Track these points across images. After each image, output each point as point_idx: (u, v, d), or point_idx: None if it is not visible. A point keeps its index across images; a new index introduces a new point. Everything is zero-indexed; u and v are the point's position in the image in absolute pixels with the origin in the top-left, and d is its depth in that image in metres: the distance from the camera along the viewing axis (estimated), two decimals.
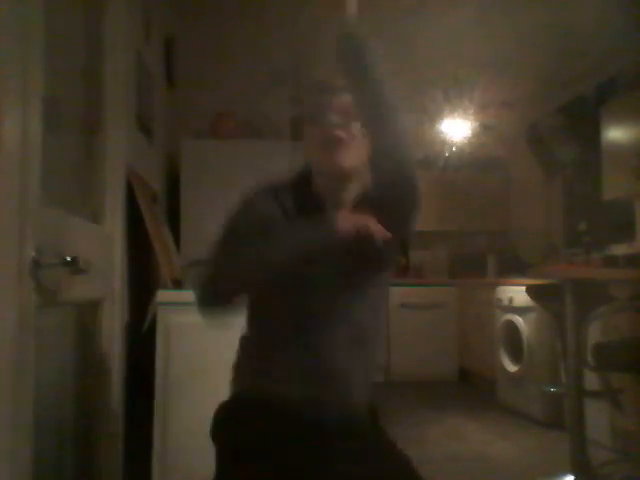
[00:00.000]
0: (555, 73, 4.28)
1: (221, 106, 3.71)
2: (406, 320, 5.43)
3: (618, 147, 3.65)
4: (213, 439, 1.24)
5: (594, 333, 2.59)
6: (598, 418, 2.87)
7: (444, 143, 4.93)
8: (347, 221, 1.14)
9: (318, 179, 1.29)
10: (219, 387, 1.43)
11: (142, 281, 2.30)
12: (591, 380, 2.60)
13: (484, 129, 4.72)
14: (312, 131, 1.26)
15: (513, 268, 5.10)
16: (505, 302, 4.17)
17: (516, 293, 3.94)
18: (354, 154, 1.24)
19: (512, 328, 4.04)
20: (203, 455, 1.44)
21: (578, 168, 4.62)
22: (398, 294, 5.52)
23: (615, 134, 3.70)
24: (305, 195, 1.27)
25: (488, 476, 2.84)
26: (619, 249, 3.99)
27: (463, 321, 5.37)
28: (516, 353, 4.02)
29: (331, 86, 1.28)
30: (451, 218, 5.86)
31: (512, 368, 4.05)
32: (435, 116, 4.61)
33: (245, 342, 1.30)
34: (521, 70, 4.17)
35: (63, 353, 1.37)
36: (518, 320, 3.96)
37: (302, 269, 1.16)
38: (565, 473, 2.47)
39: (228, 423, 1.22)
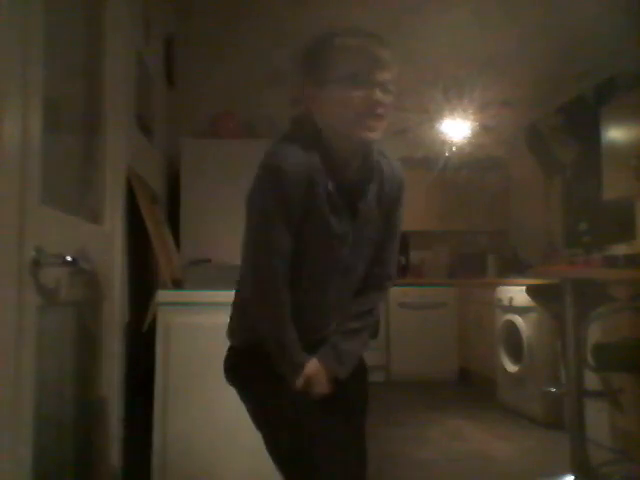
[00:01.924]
0: (555, 73, 4.28)
1: (221, 106, 3.71)
2: (406, 320, 5.43)
3: (618, 147, 3.65)
4: (233, 380, 1.34)
5: (594, 333, 2.59)
6: (598, 418, 2.87)
7: (444, 143, 4.92)
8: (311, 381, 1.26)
9: (338, 141, 1.27)
10: (219, 387, 1.43)
11: (142, 281, 2.30)
12: (591, 380, 2.60)
13: (484, 129, 4.72)
14: (346, 96, 1.23)
15: (513, 268, 5.10)
16: (505, 302, 4.17)
17: (516, 293, 3.94)
18: (384, 128, 1.27)
19: (512, 328, 4.04)
20: (203, 455, 1.44)
21: (578, 168, 4.62)
22: (398, 294, 5.52)
23: (615, 134, 3.70)
24: (335, 165, 1.27)
25: (488, 476, 2.84)
26: (619, 249, 3.99)
27: (463, 321, 5.37)
28: (516, 353, 4.02)
29: (383, 57, 1.25)
30: (451, 218, 5.86)
31: (512, 368, 4.05)
32: (435, 116, 4.61)
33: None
34: (521, 70, 4.17)
35: (63, 353, 1.37)
36: (518, 320, 3.96)
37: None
38: (565, 473, 2.47)
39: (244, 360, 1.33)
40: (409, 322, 5.42)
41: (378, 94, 1.22)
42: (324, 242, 1.27)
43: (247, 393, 1.32)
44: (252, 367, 1.30)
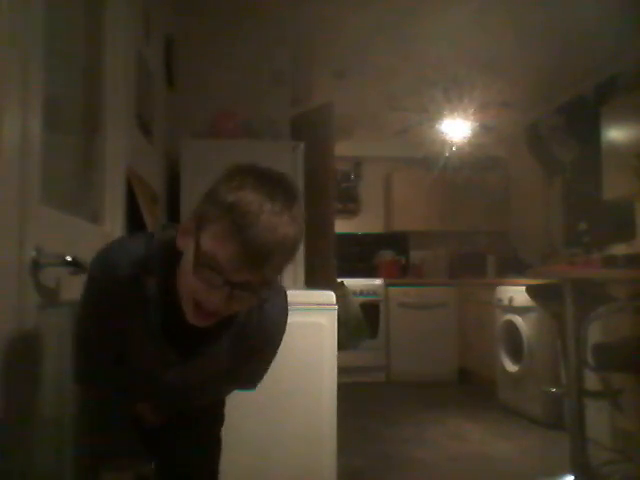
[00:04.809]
0: (555, 73, 4.28)
1: (221, 106, 3.71)
2: (406, 320, 5.44)
3: (618, 147, 3.65)
4: None
5: (594, 333, 2.59)
6: (598, 418, 2.87)
7: (444, 143, 4.92)
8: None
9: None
10: None
11: None
12: (591, 380, 2.60)
13: (484, 129, 4.72)
14: (195, 275, 0.92)
15: (513, 268, 5.10)
16: (505, 302, 4.17)
17: (516, 293, 3.94)
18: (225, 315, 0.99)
19: (512, 328, 4.04)
20: None
21: (578, 168, 4.62)
22: (398, 294, 5.52)
23: (615, 134, 3.70)
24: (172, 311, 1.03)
25: (488, 476, 2.84)
26: (619, 249, 3.99)
27: (463, 321, 5.37)
28: (516, 353, 4.02)
29: (256, 269, 0.90)
30: (451, 218, 5.87)
31: (512, 368, 4.05)
32: (435, 116, 4.61)
33: None
34: (521, 70, 4.17)
35: (63, 353, 1.37)
36: (518, 320, 3.96)
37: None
38: (565, 473, 2.47)
39: None
40: (409, 322, 5.43)
41: (219, 299, 0.92)
42: (137, 368, 1.15)
43: None
44: None
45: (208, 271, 0.90)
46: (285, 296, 1.16)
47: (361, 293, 5.28)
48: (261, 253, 0.88)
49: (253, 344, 1.11)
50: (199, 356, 1.09)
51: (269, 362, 1.22)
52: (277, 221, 0.89)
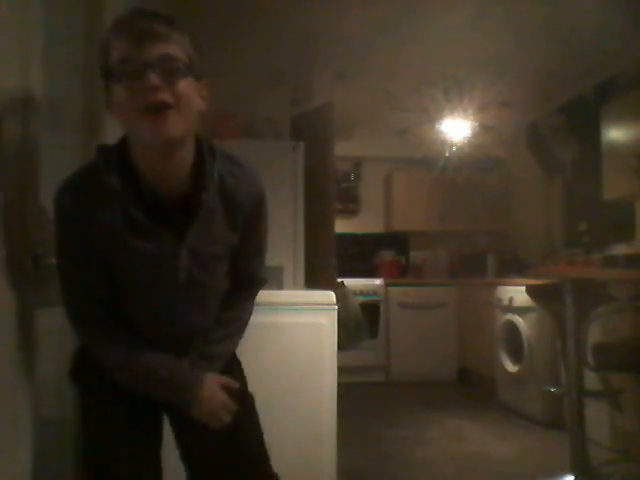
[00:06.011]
0: (555, 73, 4.28)
1: (221, 106, 3.71)
2: (406, 320, 5.43)
3: (618, 147, 3.65)
4: (73, 380, 1.24)
5: (594, 333, 2.59)
6: (598, 418, 2.87)
7: (444, 143, 4.92)
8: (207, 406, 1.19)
9: (138, 150, 1.08)
10: None
11: None
12: (591, 380, 2.60)
13: (484, 129, 4.72)
14: (124, 91, 1.01)
15: (513, 268, 5.10)
16: (505, 302, 4.17)
17: (516, 293, 3.94)
18: (181, 118, 1.03)
19: (512, 328, 4.04)
20: None
21: (578, 168, 4.62)
22: (398, 294, 5.52)
23: (615, 134, 3.70)
24: (134, 181, 1.08)
25: (488, 476, 2.84)
26: (619, 249, 3.98)
27: (463, 321, 5.37)
28: (516, 353, 4.02)
29: (148, 29, 1.01)
30: (451, 218, 5.86)
31: (512, 368, 4.05)
32: (435, 116, 4.61)
33: None
34: (521, 70, 4.17)
35: (63, 353, 1.37)
36: (518, 320, 3.96)
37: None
38: (565, 473, 2.47)
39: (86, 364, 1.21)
40: (409, 322, 5.42)
41: (151, 77, 0.98)
42: (140, 268, 1.13)
43: (80, 402, 1.23)
44: (87, 374, 1.20)
45: (118, 69, 1.00)
46: (249, 165, 1.27)
47: (361, 293, 5.28)
48: (137, 22, 1.01)
49: (238, 196, 1.18)
50: (196, 224, 1.12)
51: (265, 217, 1.27)
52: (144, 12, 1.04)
